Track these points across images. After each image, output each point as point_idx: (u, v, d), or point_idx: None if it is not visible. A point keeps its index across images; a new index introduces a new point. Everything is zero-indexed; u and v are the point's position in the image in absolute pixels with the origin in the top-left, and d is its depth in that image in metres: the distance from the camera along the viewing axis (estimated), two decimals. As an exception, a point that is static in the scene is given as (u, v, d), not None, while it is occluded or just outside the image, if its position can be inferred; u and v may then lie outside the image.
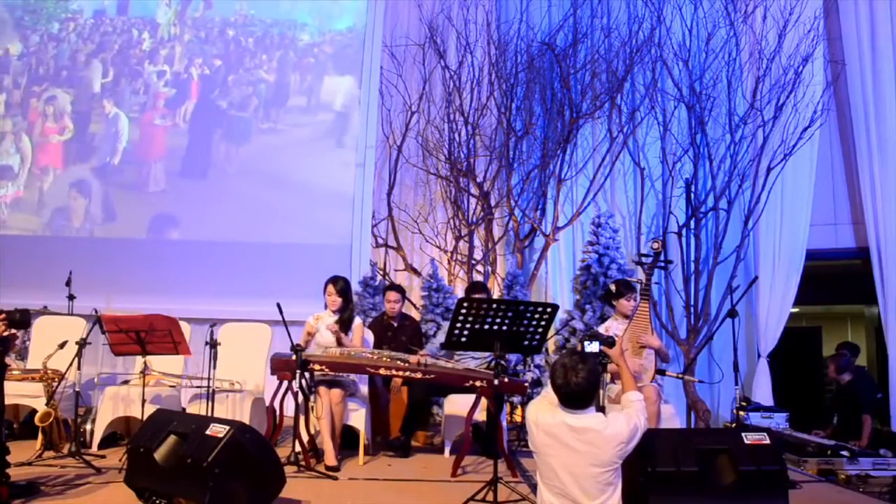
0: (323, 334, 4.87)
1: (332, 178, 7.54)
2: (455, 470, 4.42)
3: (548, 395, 2.97)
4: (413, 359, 4.68)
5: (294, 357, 4.38)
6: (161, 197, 7.63)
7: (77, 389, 4.63)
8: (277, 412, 4.60)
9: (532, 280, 7.27)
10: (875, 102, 6.82)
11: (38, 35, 7.97)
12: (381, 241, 7.68)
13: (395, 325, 5.64)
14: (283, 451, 4.26)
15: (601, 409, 3.17)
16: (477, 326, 3.85)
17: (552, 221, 7.36)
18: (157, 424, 3.53)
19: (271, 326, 5.40)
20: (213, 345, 4.61)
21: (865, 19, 6.97)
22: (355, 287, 6.56)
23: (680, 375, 5.34)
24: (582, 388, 2.80)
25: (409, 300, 6.83)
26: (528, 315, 3.86)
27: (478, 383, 4.49)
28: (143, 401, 4.47)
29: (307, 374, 4.51)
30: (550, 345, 6.56)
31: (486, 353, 4.80)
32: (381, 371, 4.61)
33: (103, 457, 4.66)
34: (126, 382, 5.35)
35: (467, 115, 7.50)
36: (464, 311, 3.83)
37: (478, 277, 7.14)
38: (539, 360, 6.36)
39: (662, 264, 4.81)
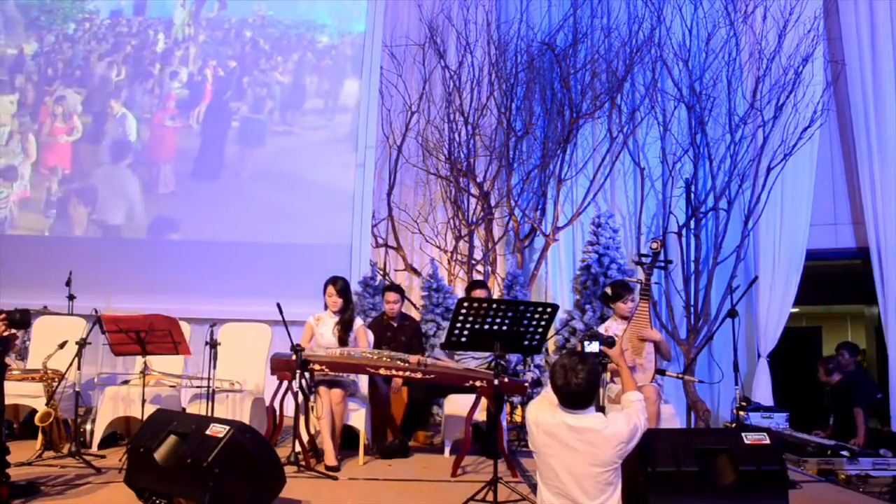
0: (324, 336, 4.87)
1: (333, 178, 7.54)
2: (455, 470, 4.42)
3: (548, 395, 2.97)
4: (413, 359, 4.67)
5: (294, 357, 4.38)
6: (169, 198, 7.62)
7: (77, 389, 4.63)
8: (277, 412, 4.60)
9: (532, 280, 7.27)
10: (875, 102, 6.82)
11: (53, 35, 7.96)
12: (381, 241, 7.68)
13: (395, 325, 5.64)
14: (283, 451, 4.26)
15: (601, 409, 3.17)
16: (477, 326, 3.85)
17: (552, 221, 7.36)
18: (157, 424, 3.53)
19: (271, 326, 5.40)
20: (213, 345, 4.61)
21: (865, 19, 6.97)
22: (355, 287, 6.57)
23: (680, 375, 5.34)
24: (582, 388, 2.80)
25: (409, 300, 6.84)
26: (528, 315, 3.86)
27: (478, 383, 4.49)
28: (143, 401, 4.47)
29: (307, 374, 4.51)
30: (550, 345, 6.55)
31: (487, 353, 4.80)
32: (381, 371, 4.60)
33: (103, 457, 4.66)
34: (126, 382, 5.35)
35: (467, 115, 7.50)
36: (464, 311, 3.83)
37: (478, 277, 7.13)
38: (539, 360, 6.36)
39: (662, 264, 4.81)
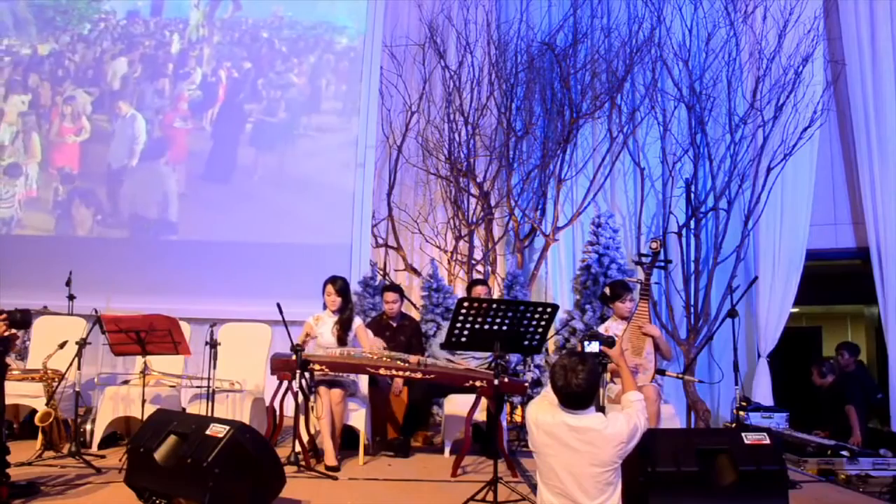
0: (324, 335, 4.87)
1: (333, 178, 7.54)
2: (455, 470, 4.42)
3: (548, 395, 2.97)
4: (413, 359, 4.68)
5: (294, 357, 4.38)
6: (171, 199, 7.61)
7: (77, 389, 4.63)
8: (277, 412, 4.60)
9: (532, 280, 7.27)
10: (875, 102, 6.82)
11: (68, 35, 7.95)
12: (381, 241, 7.68)
13: (395, 325, 5.64)
14: (283, 451, 4.26)
15: (601, 409, 3.18)
16: (477, 326, 3.85)
17: (552, 221, 7.36)
18: (157, 424, 3.53)
19: (271, 326, 5.40)
20: (213, 345, 4.61)
21: (865, 19, 6.97)
22: (355, 287, 6.57)
23: (680, 375, 5.34)
24: (582, 388, 2.80)
25: (408, 300, 6.84)
26: (528, 315, 3.86)
27: (478, 383, 4.49)
28: (143, 401, 4.48)
29: (307, 374, 4.52)
30: (550, 345, 6.56)
31: (487, 354, 4.80)
32: (381, 371, 4.60)
33: (103, 457, 4.66)
34: (126, 382, 5.35)
35: (467, 115, 7.50)
36: (464, 310, 3.83)
37: (478, 277, 7.13)
38: (539, 360, 6.36)
39: (662, 264, 4.81)
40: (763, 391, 6.65)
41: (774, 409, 6.01)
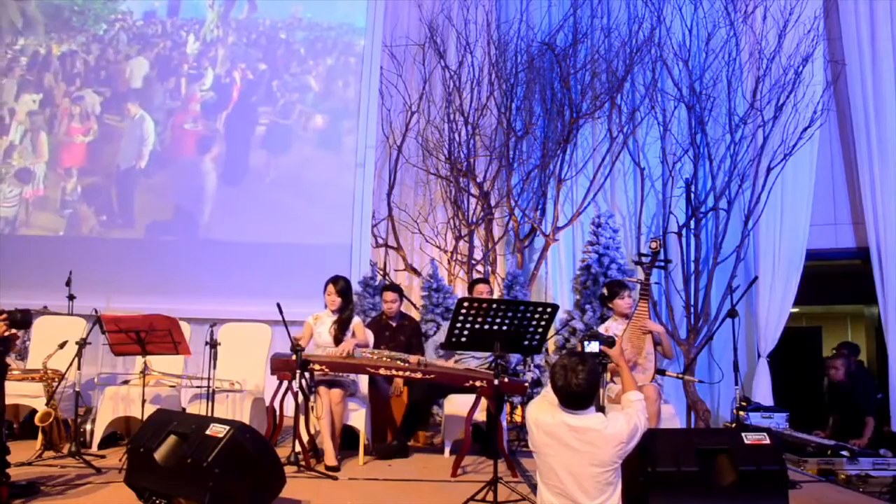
0: (322, 335, 4.87)
1: (332, 178, 7.54)
2: (455, 470, 4.42)
3: (548, 395, 2.97)
4: (413, 359, 4.68)
5: (294, 357, 4.38)
6: (172, 199, 7.62)
7: (77, 389, 4.63)
8: (277, 412, 4.60)
9: (532, 280, 7.27)
10: (875, 102, 6.82)
11: (84, 36, 7.95)
12: (381, 241, 7.68)
13: (394, 325, 5.64)
14: (283, 451, 4.26)
15: (601, 409, 3.18)
16: (477, 326, 3.85)
17: (552, 221, 7.36)
18: (157, 424, 3.53)
19: (271, 326, 5.40)
20: (213, 345, 4.61)
21: (865, 19, 6.97)
22: (355, 287, 6.56)
23: (680, 375, 5.34)
24: (582, 388, 2.80)
25: (408, 300, 6.84)
26: (528, 315, 3.86)
27: (478, 383, 4.49)
28: (143, 401, 4.48)
29: (307, 374, 4.52)
30: (550, 345, 6.56)
31: (488, 354, 4.80)
32: (381, 371, 4.61)
33: (103, 457, 4.66)
34: (126, 382, 5.35)
35: (467, 115, 7.51)
36: (464, 310, 3.83)
37: (479, 276, 7.14)
38: (539, 360, 6.36)
39: (661, 264, 4.81)
40: (763, 391, 6.65)
41: (774, 409, 5.99)
